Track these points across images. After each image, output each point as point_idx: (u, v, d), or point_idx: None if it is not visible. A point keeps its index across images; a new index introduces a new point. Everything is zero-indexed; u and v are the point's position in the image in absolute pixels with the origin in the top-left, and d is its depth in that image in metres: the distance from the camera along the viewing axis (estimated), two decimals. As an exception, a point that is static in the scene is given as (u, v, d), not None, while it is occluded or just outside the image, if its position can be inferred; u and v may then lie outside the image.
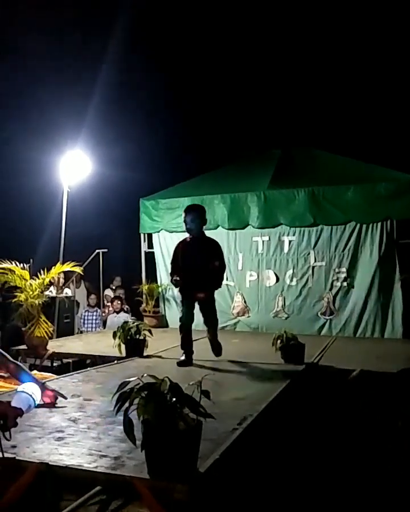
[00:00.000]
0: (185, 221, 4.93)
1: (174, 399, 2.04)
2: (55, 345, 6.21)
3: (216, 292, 7.93)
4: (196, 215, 4.91)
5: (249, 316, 7.78)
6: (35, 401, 2.51)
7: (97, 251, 8.81)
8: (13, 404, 2.37)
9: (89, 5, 10.32)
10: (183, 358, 4.91)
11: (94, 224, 10.69)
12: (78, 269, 7.22)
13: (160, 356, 5.31)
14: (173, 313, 8.28)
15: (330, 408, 4.08)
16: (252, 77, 11.02)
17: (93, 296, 9.09)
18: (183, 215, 4.96)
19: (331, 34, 10.31)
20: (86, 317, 8.90)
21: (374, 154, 8.32)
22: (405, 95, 9.80)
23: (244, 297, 7.81)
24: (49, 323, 6.20)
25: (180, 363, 4.82)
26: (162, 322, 8.21)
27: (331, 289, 7.28)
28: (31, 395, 2.49)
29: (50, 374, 4.89)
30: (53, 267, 6.71)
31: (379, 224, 6.99)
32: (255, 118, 11.00)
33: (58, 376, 4.35)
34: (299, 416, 3.86)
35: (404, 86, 9.86)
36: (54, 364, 6.31)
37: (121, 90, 10.82)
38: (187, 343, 5.01)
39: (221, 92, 11.09)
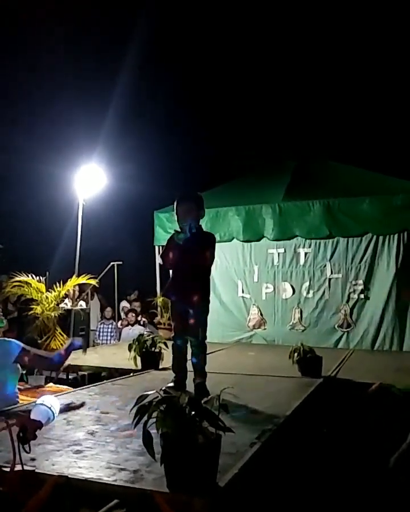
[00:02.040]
0: (177, 213, 3.90)
1: (193, 413, 2.03)
2: (71, 358, 6.19)
3: (232, 304, 8.00)
4: (191, 206, 3.88)
5: (265, 329, 7.74)
6: (54, 413, 2.51)
7: (111, 263, 8.85)
8: (32, 416, 2.37)
9: (105, 21, 10.52)
10: (171, 384, 3.79)
11: (109, 237, 10.79)
12: (93, 282, 7.27)
13: (176, 369, 5.28)
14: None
15: (349, 422, 4.02)
16: (267, 89, 11.09)
17: (108, 309, 9.11)
18: (175, 205, 3.94)
19: (347, 47, 10.36)
20: (101, 330, 8.92)
21: (390, 165, 8.30)
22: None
23: (260, 310, 7.78)
24: (65, 336, 6.23)
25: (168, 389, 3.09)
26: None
27: (348, 302, 7.21)
28: (50, 408, 2.49)
29: (66, 387, 4.89)
30: (68, 280, 6.76)
31: (396, 236, 6.95)
32: (270, 130, 11.05)
33: (74, 389, 4.34)
34: (317, 430, 3.82)
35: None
36: (70, 376, 6.30)
37: (135, 104, 10.97)
38: (178, 365, 3.99)
39: (236, 105, 11.18)
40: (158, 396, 2.08)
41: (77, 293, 8.19)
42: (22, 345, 3.48)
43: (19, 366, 3.50)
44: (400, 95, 10.23)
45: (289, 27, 10.54)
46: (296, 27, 10.52)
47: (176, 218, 3.90)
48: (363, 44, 10.25)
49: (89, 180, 7.93)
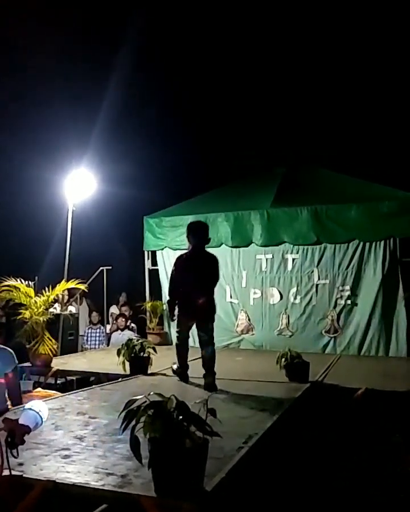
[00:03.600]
0: (189, 238, 4.89)
1: (181, 417, 2.05)
2: (59, 362, 6.21)
3: (220, 309, 8.05)
4: (203, 235, 4.87)
5: (253, 334, 7.77)
6: (42, 418, 2.52)
7: (101, 268, 8.84)
8: (20, 421, 2.38)
9: (94, 24, 10.53)
10: (175, 366, 5.11)
11: (98, 242, 10.76)
12: (82, 287, 7.25)
13: (164, 374, 5.30)
14: (177, 331, 8.28)
15: (335, 426, 4.06)
16: (258, 97, 11.17)
17: (95, 314, 9.09)
18: (187, 232, 4.93)
19: (337, 57, 10.47)
20: (89, 335, 8.90)
21: (377, 173, 8.40)
22: (407, 117, 9.93)
23: (248, 315, 7.81)
24: (53, 341, 6.22)
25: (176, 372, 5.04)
26: (166, 340, 8.20)
27: (335, 307, 7.26)
28: (38, 413, 2.50)
29: (54, 392, 4.89)
30: (57, 284, 6.75)
31: (382, 242, 7.01)
32: (259, 137, 11.12)
33: (62, 394, 4.35)
34: (304, 434, 3.85)
35: (407, 108, 9.99)
36: (58, 381, 6.29)
37: (125, 109, 10.97)
38: (182, 356, 5.02)
39: (227, 111, 11.23)
40: (146, 401, 2.10)
41: (66, 297, 8.17)
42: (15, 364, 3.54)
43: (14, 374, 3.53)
44: (388, 105, 10.35)
45: (280, 34, 10.62)
46: (286, 34, 10.61)
47: (187, 242, 4.98)
48: (351, 55, 10.37)
49: (79, 185, 7.93)
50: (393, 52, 10.07)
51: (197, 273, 4.74)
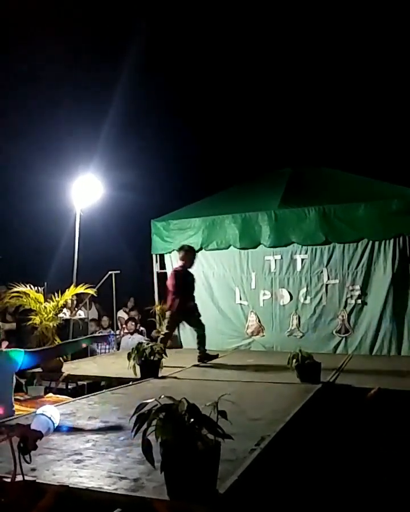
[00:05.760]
0: (186, 257, 6.60)
1: (192, 420, 2.05)
2: (70, 367, 6.21)
3: (230, 311, 8.16)
4: (195, 256, 6.81)
5: (263, 335, 7.74)
6: (54, 423, 2.52)
7: (109, 272, 8.86)
8: (32, 427, 2.38)
9: (101, 31, 10.60)
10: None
11: (106, 246, 10.80)
12: (91, 291, 7.28)
13: (175, 377, 5.30)
14: (187, 334, 8.26)
15: (348, 427, 4.03)
16: (262, 97, 11.16)
17: (105, 318, 9.10)
18: (186, 252, 6.63)
19: (341, 55, 10.45)
20: (100, 339, 8.90)
21: (385, 171, 8.35)
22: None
23: (258, 317, 7.79)
24: (64, 346, 6.22)
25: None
26: (176, 343, 8.19)
27: (345, 307, 7.23)
28: (50, 418, 2.50)
29: (65, 397, 4.89)
30: (66, 290, 6.77)
31: (392, 241, 6.97)
32: (265, 137, 11.11)
33: (73, 399, 4.35)
34: (317, 435, 3.82)
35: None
36: (69, 386, 6.30)
37: (131, 114, 11.02)
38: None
39: (232, 113, 11.24)
40: (156, 404, 2.10)
41: (74, 303, 8.20)
42: (22, 350, 3.51)
43: (14, 377, 3.52)
44: (394, 103, 10.30)
45: (279, 32, 10.60)
46: (285, 32, 10.59)
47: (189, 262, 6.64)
48: (356, 52, 10.34)
49: (86, 190, 7.97)
50: (395, 47, 10.01)
51: (191, 284, 6.61)
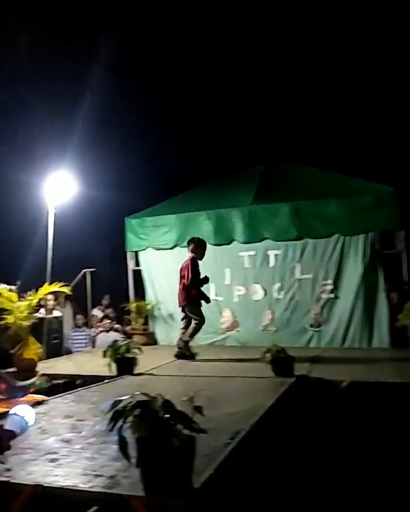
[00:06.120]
0: (197, 250, 6.60)
1: (167, 416, 2.06)
2: (44, 366, 6.16)
3: (205, 307, 8.20)
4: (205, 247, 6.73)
5: (238, 331, 7.81)
6: (27, 423, 2.52)
7: (84, 270, 8.80)
8: (6, 427, 2.38)
9: (75, 25, 10.46)
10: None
11: (80, 244, 10.70)
12: (66, 290, 7.21)
13: (151, 374, 5.31)
14: (162, 330, 8.29)
15: (321, 419, 4.11)
16: (234, 95, 11.20)
17: (79, 316, 9.04)
18: (197, 245, 6.62)
19: (310, 52, 10.54)
20: (74, 338, 8.85)
21: (355, 167, 8.48)
22: (383, 111, 10.04)
23: (232, 312, 7.85)
24: (38, 345, 6.17)
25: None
26: (152, 340, 8.21)
27: (318, 301, 7.35)
28: (23, 418, 2.50)
29: (41, 396, 4.85)
30: (40, 288, 6.69)
31: (362, 236, 7.11)
32: (238, 135, 11.16)
33: (49, 398, 4.32)
34: (291, 428, 3.89)
35: (382, 101, 10.10)
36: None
37: (105, 112, 10.93)
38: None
39: (204, 110, 11.24)
40: (131, 401, 2.11)
41: (52, 302, 8.12)
42: None
43: None
44: (364, 101, 10.45)
45: (251, 31, 10.65)
46: (257, 31, 10.64)
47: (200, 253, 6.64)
48: (323, 50, 10.45)
49: (60, 187, 7.88)
50: (360, 42, 10.15)
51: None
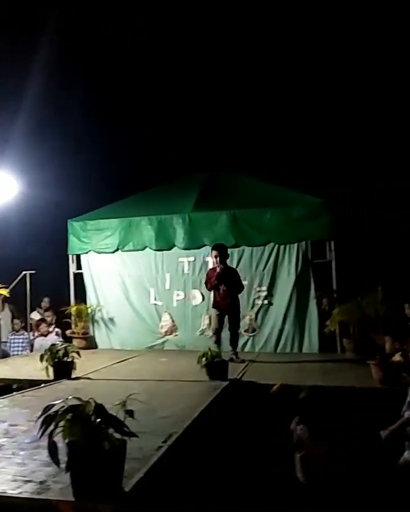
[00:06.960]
0: (222, 258, 6.51)
1: (99, 420, 2.10)
2: (-20, 371, 6.05)
3: (144, 311, 8.20)
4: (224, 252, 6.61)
5: (176, 335, 7.94)
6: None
7: (23, 272, 8.64)
8: None
9: (14, 21, 10.21)
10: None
11: (21, 245, 10.45)
12: (4, 292, 7.09)
13: (88, 378, 5.34)
14: (102, 334, 8.29)
15: (251, 421, 4.30)
16: (180, 101, 11.26)
17: (16, 320, 8.84)
18: (222, 253, 6.54)
19: (256, 59, 10.70)
20: (12, 341, 8.67)
21: (292, 178, 8.77)
22: (318, 125, 10.41)
23: (171, 316, 7.97)
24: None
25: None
26: (91, 344, 8.19)
27: (252, 307, 7.58)
28: None
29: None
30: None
31: (295, 245, 7.42)
32: (182, 141, 11.25)
33: (-18, 403, 4.28)
34: (223, 430, 4.04)
35: (321, 115, 10.45)
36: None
37: (47, 111, 10.74)
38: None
39: (150, 115, 11.25)
40: (64, 406, 2.13)
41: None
42: None
43: None
44: (305, 113, 10.73)
45: (197, 34, 10.67)
46: (204, 36, 10.68)
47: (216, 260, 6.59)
48: (269, 59, 10.66)
49: (-1, 188, 7.74)
50: (302, 48, 10.37)
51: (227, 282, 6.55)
